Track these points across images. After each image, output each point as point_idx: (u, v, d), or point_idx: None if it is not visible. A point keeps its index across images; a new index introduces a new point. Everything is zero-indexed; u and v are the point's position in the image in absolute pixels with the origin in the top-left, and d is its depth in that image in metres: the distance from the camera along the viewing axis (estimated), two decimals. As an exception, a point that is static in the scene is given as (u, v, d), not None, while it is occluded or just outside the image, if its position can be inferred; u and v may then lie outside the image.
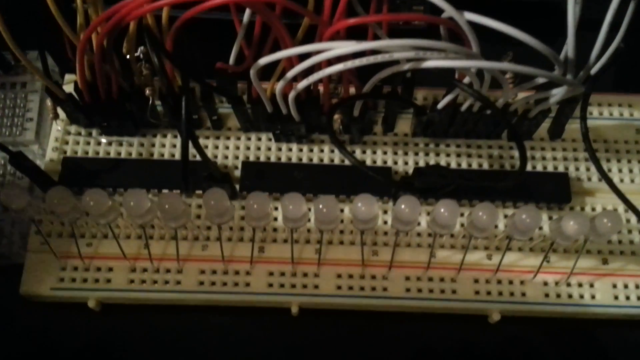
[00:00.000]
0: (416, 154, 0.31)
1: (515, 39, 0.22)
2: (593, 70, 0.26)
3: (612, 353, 0.29)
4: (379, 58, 0.22)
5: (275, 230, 0.29)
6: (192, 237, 0.29)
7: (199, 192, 0.30)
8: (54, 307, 0.29)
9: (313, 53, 0.23)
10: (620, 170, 0.31)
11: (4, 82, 0.33)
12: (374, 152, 0.31)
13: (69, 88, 0.29)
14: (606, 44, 0.25)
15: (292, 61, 0.25)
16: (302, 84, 0.25)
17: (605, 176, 0.26)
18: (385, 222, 0.29)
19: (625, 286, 0.28)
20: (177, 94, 0.28)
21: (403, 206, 0.24)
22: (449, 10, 0.22)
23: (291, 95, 0.26)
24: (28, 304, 0.29)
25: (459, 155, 0.31)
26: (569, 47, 0.23)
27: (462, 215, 0.29)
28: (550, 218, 0.29)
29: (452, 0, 0.22)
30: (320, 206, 0.24)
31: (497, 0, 0.34)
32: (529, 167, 0.30)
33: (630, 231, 0.29)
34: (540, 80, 0.25)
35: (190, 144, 0.26)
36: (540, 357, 0.29)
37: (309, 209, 0.27)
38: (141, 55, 0.28)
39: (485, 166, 0.30)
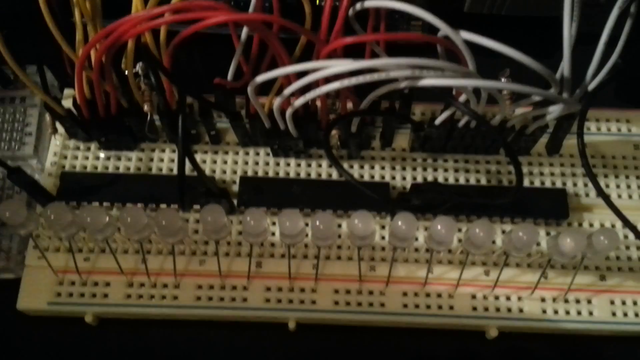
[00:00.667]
0: (414, 169, 0.31)
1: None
2: (590, 87, 0.26)
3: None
4: (375, 76, 0.22)
5: (272, 245, 0.29)
6: (190, 252, 0.29)
7: (197, 207, 0.30)
8: (51, 322, 0.29)
9: (310, 70, 0.23)
10: (618, 186, 0.31)
11: (3, 97, 0.33)
12: (372, 167, 0.31)
13: (68, 103, 0.29)
14: (603, 60, 0.25)
15: (289, 78, 0.25)
16: (299, 101, 0.25)
17: (602, 193, 0.25)
18: (383, 238, 0.29)
19: (623, 303, 0.28)
20: (175, 110, 0.28)
21: (400, 223, 0.24)
22: (445, 30, 0.22)
23: (288, 112, 0.26)
24: (25, 318, 0.29)
25: (456, 170, 0.31)
26: (564, 67, 0.23)
27: (459, 230, 0.29)
28: (547, 234, 0.29)
29: (449, 16, 0.23)
30: (317, 223, 0.24)
31: (494, 15, 0.34)
32: (526, 183, 0.30)
33: (628, 247, 0.29)
34: (537, 98, 0.25)
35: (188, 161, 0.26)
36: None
37: (307, 224, 0.27)
38: (140, 71, 0.28)
39: (483, 182, 0.30)
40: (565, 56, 0.23)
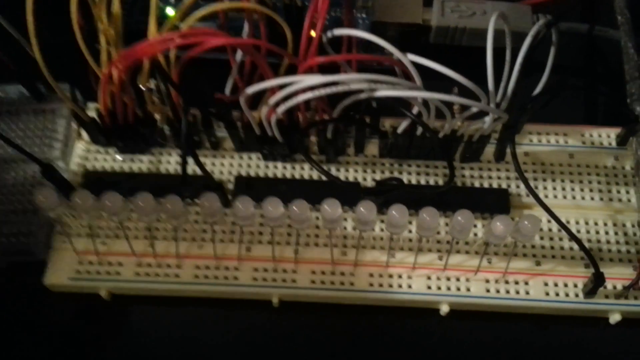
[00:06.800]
0: (382, 172, 0.36)
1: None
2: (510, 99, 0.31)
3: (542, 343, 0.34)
4: (340, 88, 0.28)
5: (260, 233, 0.34)
6: (190, 238, 0.34)
7: (197, 201, 0.35)
8: (71, 297, 0.34)
9: (288, 83, 0.29)
10: (554, 188, 0.36)
11: (37, 109, 0.38)
12: (347, 170, 0.36)
13: (90, 114, 0.35)
14: (535, 80, 0.31)
15: (274, 91, 0.31)
16: (281, 109, 0.30)
17: (530, 189, 0.31)
18: (354, 229, 0.35)
19: (555, 284, 0.33)
20: (181, 119, 0.34)
21: (362, 209, 0.30)
22: (395, 52, 0.28)
23: (273, 119, 0.32)
24: (49, 293, 0.34)
25: (418, 173, 0.36)
26: (489, 82, 0.29)
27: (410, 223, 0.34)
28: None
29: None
30: (294, 207, 0.30)
31: (456, 46, 0.40)
32: (476, 184, 0.36)
33: (561, 239, 0.34)
34: (474, 109, 0.30)
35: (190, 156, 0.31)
36: (482, 343, 0.34)
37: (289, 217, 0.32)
38: (153, 87, 0.34)
39: (440, 182, 0.36)
40: (489, 74, 0.29)
